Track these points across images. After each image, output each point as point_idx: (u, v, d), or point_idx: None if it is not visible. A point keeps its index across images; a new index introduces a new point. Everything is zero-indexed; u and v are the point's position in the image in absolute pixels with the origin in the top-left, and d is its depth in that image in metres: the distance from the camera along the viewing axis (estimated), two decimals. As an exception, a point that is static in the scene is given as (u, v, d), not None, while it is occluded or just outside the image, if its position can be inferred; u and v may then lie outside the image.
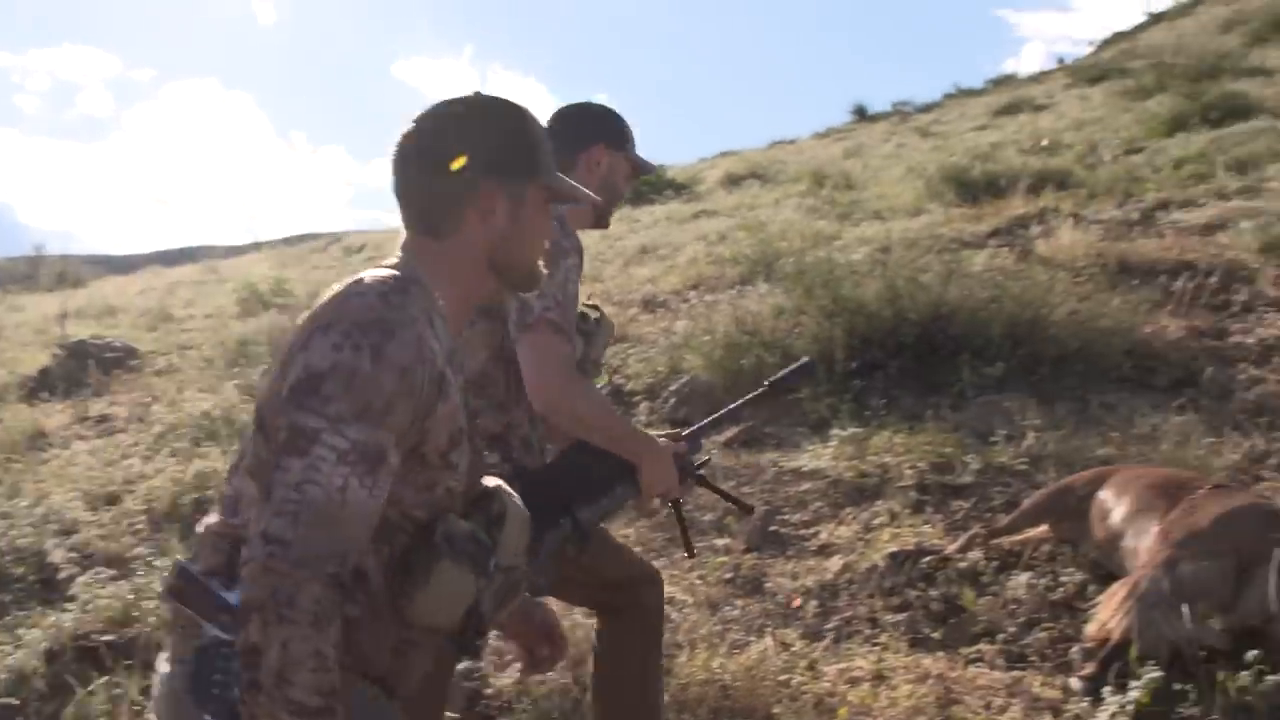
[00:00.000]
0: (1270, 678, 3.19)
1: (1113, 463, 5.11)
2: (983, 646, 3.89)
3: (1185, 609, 3.49)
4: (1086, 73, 31.10)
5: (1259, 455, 5.30)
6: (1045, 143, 15.90)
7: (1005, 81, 45.78)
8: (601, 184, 2.98)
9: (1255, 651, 3.27)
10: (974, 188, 12.60)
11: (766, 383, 2.95)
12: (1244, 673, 3.22)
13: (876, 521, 4.97)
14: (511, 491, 2.03)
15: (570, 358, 2.73)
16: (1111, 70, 27.55)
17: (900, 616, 4.17)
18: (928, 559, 4.45)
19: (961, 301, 6.90)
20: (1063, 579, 4.18)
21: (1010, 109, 26.16)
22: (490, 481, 2.07)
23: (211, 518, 1.90)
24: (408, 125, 1.94)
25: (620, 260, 12.66)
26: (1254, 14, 36.02)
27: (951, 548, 4.51)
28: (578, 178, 2.79)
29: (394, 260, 1.94)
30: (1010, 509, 4.77)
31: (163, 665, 1.84)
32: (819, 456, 5.77)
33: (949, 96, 42.53)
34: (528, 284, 2.07)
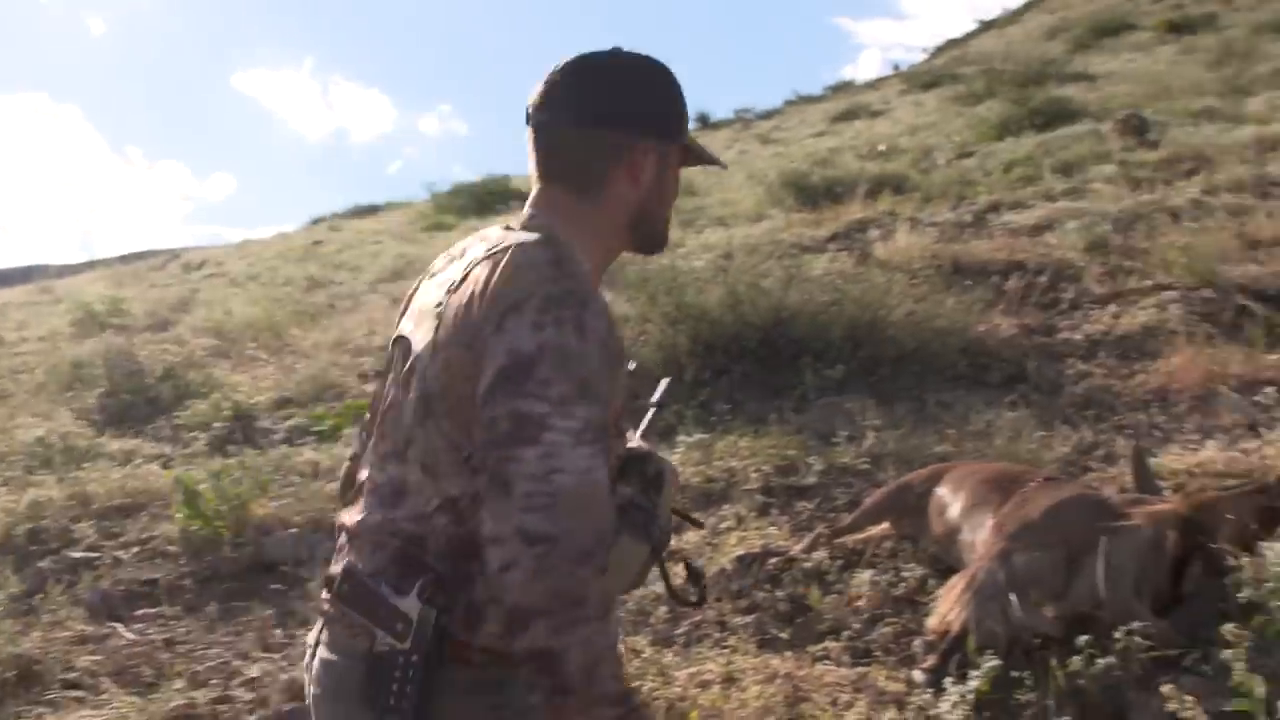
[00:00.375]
0: (1100, 661, 3.29)
1: (950, 459, 5.24)
2: (829, 644, 3.94)
3: (1017, 599, 3.59)
4: (920, 79, 31.96)
5: (1087, 447, 5.49)
6: (882, 148, 16.29)
7: (843, 88, 46.75)
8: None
9: (1086, 637, 3.37)
10: (814, 193, 12.86)
11: (653, 404, 2.91)
12: (1076, 657, 3.31)
13: (724, 525, 5.01)
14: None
15: None
16: (944, 77, 28.39)
17: (748, 618, 4.20)
18: (774, 560, 4.51)
19: (802, 306, 7.02)
20: (904, 574, 4.26)
21: (848, 115, 26.79)
22: (637, 441, 2.02)
23: (358, 514, 1.82)
24: (557, 75, 1.88)
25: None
26: (1076, 22, 37.50)
27: (797, 548, 4.57)
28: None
29: (527, 218, 1.86)
30: (853, 508, 4.85)
31: (324, 651, 1.81)
32: (666, 462, 5.79)
33: (789, 103, 43.29)
34: (658, 246, 2.02)
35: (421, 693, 1.64)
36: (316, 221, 33.44)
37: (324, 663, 1.81)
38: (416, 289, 1.95)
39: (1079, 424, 5.80)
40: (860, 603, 4.16)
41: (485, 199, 21.21)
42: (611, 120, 1.86)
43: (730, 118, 41.89)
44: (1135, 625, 3.33)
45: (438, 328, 1.72)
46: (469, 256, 1.80)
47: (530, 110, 1.89)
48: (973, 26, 56.26)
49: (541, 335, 1.59)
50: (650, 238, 1.98)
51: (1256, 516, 3.66)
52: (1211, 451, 5.10)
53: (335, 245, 21.57)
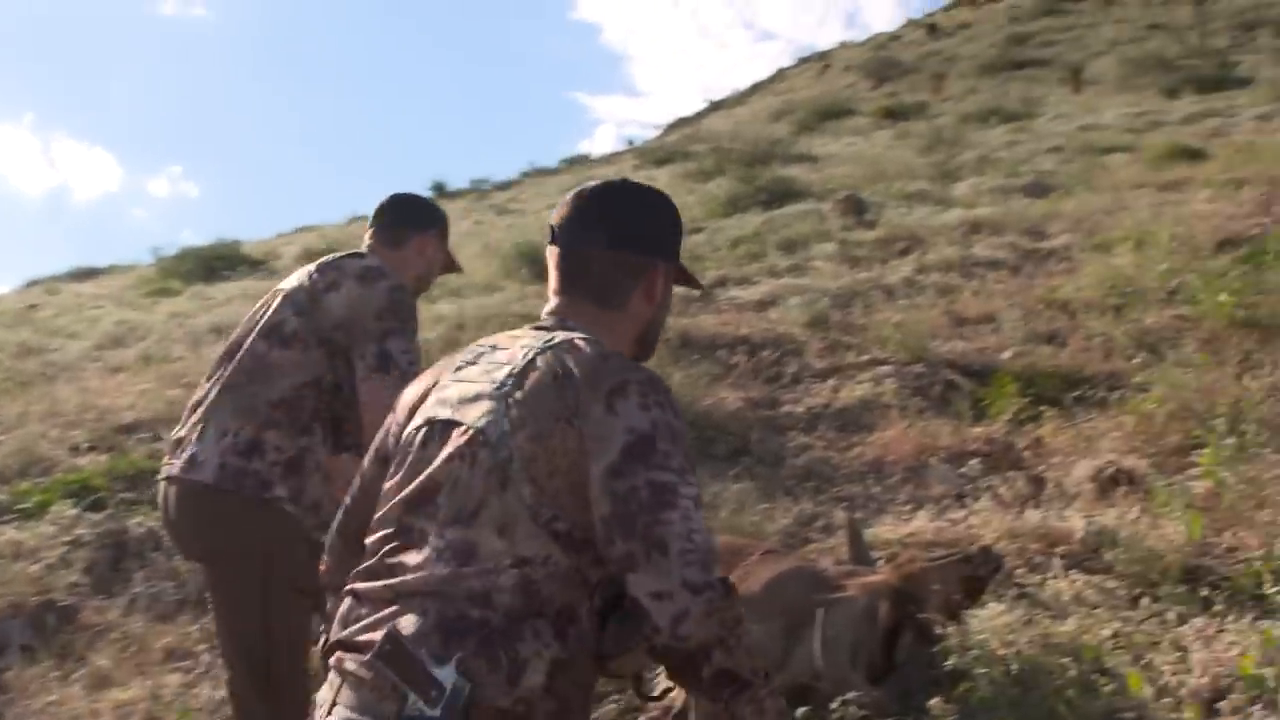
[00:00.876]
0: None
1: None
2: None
3: None
4: (653, 154, 32.58)
5: (807, 518, 5.65)
6: (616, 221, 16.48)
7: (579, 161, 47.35)
8: (427, 269, 3.36)
9: (804, 708, 3.44)
10: (544, 266, 12.85)
11: None
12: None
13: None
14: None
15: None
16: (676, 153, 29.00)
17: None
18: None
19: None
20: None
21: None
22: None
23: (407, 574, 1.91)
24: (585, 200, 2.17)
25: (190, 340, 12.10)
26: (800, 105, 39.17)
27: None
28: (404, 256, 3.28)
29: (557, 323, 2.11)
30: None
31: (345, 711, 1.87)
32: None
33: (526, 175, 43.49)
34: (650, 355, 2.26)
35: None
36: (33, 284, 31.59)
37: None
38: (434, 381, 2.13)
39: (800, 495, 5.97)
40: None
41: (214, 264, 20.45)
42: (636, 243, 2.15)
43: (466, 188, 41.83)
44: (851, 695, 3.42)
45: (509, 407, 1.91)
46: (522, 347, 2.01)
47: (558, 229, 2.18)
48: (703, 106, 58.05)
49: (651, 415, 1.86)
50: (650, 347, 2.25)
51: (961, 586, 3.81)
52: (922, 521, 5.31)
53: (52, 309, 20.39)
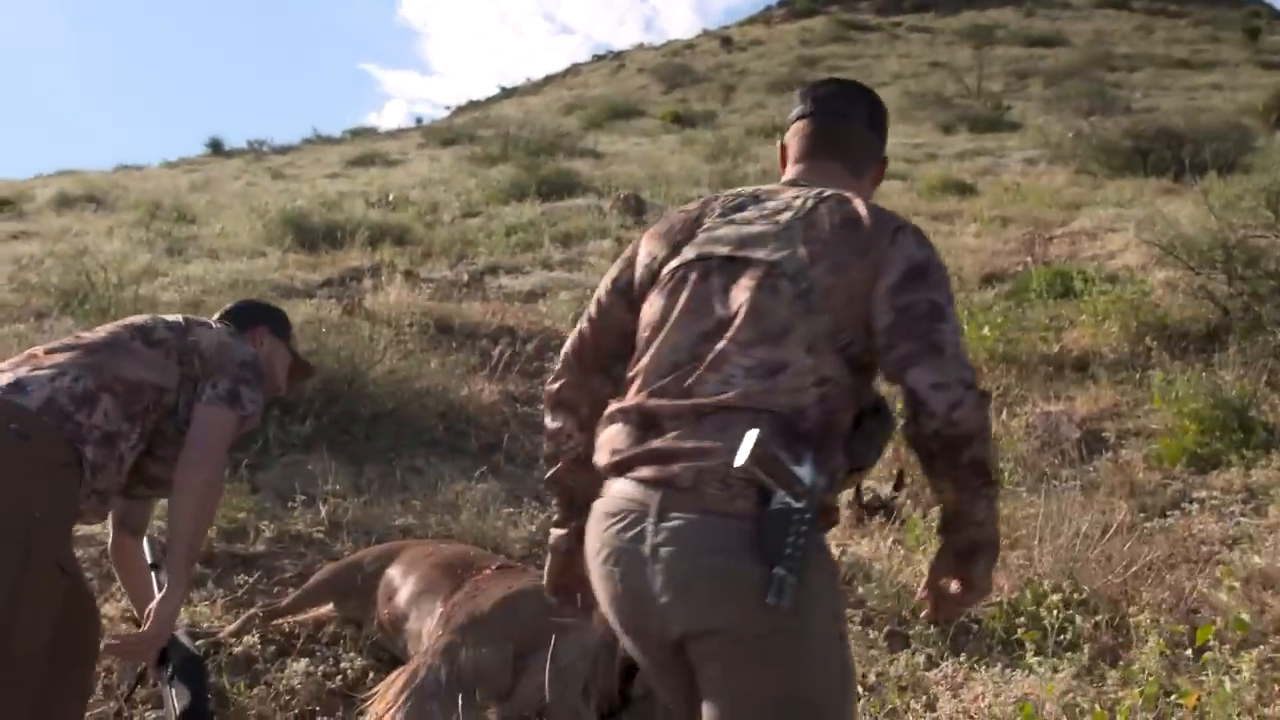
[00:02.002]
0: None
1: (413, 532, 4.94)
2: (249, 745, 3.49)
3: (462, 699, 3.30)
4: (440, 135, 32.12)
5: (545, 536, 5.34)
6: (391, 198, 15.97)
7: (364, 134, 46.35)
8: (266, 363, 3.41)
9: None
10: (314, 235, 12.32)
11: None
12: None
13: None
14: None
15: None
16: (463, 135, 28.58)
17: (161, 713, 3.65)
18: (200, 643, 3.97)
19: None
20: (344, 665, 3.85)
21: (364, 160, 26.36)
22: None
23: (713, 392, 2.13)
24: (850, 88, 2.51)
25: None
26: (592, 101, 39.17)
27: (227, 630, 4.07)
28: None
29: (807, 182, 2.39)
30: (301, 583, 4.41)
31: (676, 518, 2.05)
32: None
33: (307, 142, 42.35)
34: None
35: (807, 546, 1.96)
36: None
37: (679, 527, 2.06)
38: (683, 231, 2.38)
39: (549, 502, 5.66)
40: (290, 697, 3.70)
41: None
42: (881, 133, 2.52)
43: (243, 147, 40.41)
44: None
45: (801, 245, 2.20)
46: (794, 197, 2.31)
47: (819, 103, 2.48)
48: (496, 91, 57.53)
49: (925, 250, 2.20)
50: None
51: None
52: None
53: None
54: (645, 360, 2.27)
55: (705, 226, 2.34)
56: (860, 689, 3.60)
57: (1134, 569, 4.39)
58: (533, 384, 7.36)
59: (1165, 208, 10.25)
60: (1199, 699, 2.30)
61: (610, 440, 2.24)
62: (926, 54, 49.73)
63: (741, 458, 1.98)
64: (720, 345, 2.17)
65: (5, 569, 2.55)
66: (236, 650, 3.94)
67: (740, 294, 2.20)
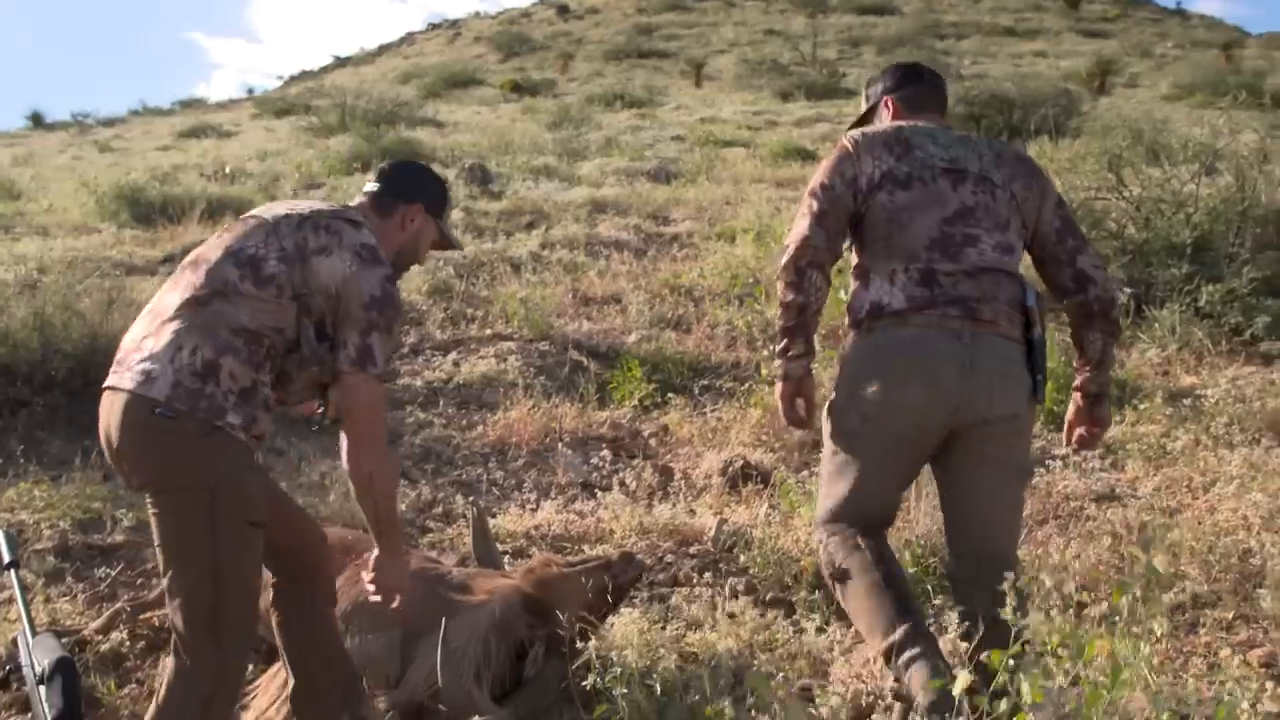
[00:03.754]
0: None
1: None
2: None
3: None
4: (274, 105, 31.38)
5: (425, 504, 5.24)
6: (228, 169, 15.50)
7: (194, 105, 44.99)
8: (411, 242, 3.22)
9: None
10: (150, 209, 11.89)
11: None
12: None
13: (6, 596, 4.17)
14: None
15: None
16: (298, 106, 27.93)
17: (29, 716, 3.45)
18: (65, 641, 3.76)
19: (123, 332, 6.23)
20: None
21: (196, 132, 25.62)
22: None
23: (975, 261, 3.13)
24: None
25: None
26: (429, 70, 38.57)
27: (92, 626, 3.87)
28: (388, 226, 3.14)
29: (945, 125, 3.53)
30: (165, 573, 4.22)
31: (988, 342, 3.07)
32: (-62, 515, 4.82)
33: (135, 113, 41.03)
34: None
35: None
36: None
37: (987, 346, 3.06)
38: (905, 142, 3.27)
39: (417, 478, 5.56)
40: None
41: None
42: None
43: (67, 120, 38.87)
44: (475, 718, 3.05)
45: (998, 168, 3.26)
46: (962, 134, 3.37)
47: (930, 75, 3.58)
48: (328, 61, 56.34)
49: (1055, 183, 3.45)
50: None
51: (600, 594, 3.52)
52: (549, 512, 5.02)
53: None
54: (901, 235, 3.15)
55: (915, 144, 3.24)
56: (750, 657, 3.60)
57: (1006, 527, 4.47)
58: (390, 362, 7.20)
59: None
60: (1112, 647, 2.34)
61: (900, 290, 3.11)
62: (762, 22, 50.10)
63: (1030, 300, 3.12)
64: (968, 229, 3.13)
65: (199, 546, 2.72)
66: (104, 648, 3.76)
67: (967, 193, 3.18)
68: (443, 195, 3.32)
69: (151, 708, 2.79)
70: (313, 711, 3.05)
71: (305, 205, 3.06)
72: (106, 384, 2.85)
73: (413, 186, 3.24)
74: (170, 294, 2.90)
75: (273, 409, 2.90)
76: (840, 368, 3.27)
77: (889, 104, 3.49)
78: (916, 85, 3.49)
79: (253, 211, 3.07)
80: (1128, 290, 7.29)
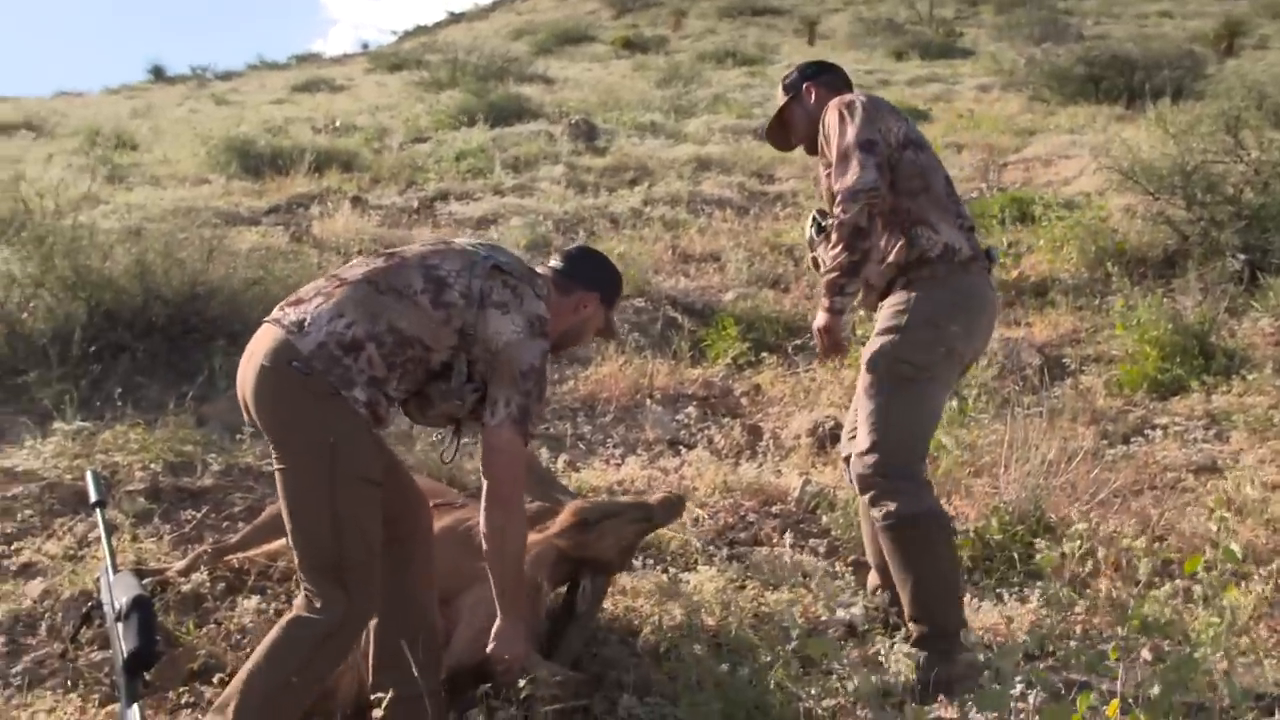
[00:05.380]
0: (500, 714, 2.97)
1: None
2: (200, 686, 3.36)
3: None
4: (387, 60, 31.57)
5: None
6: (338, 123, 15.66)
7: (309, 59, 45.56)
8: (579, 325, 3.30)
9: (486, 686, 3.04)
10: (259, 161, 12.07)
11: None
12: (474, 710, 2.98)
13: (94, 535, 4.26)
14: None
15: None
16: (410, 61, 28.12)
17: (107, 653, 3.52)
18: (147, 582, 3.83)
19: (223, 282, 6.35)
20: (296, 602, 3.73)
21: (309, 86, 25.88)
22: None
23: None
24: None
25: None
26: (542, 26, 38.58)
27: (176, 567, 3.93)
28: (563, 305, 3.20)
29: None
30: (252, 517, 4.27)
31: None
32: (38, 454, 4.94)
33: (252, 67, 41.63)
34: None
35: None
36: None
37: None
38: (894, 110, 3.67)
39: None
40: (242, 636, 3.58)
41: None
42: None
43: (186, 73, 39.61)
44: (538, 675, 3.03)
45: None
46: None
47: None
48: (443, 16, 56.69)
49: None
50: None
51: (637, 536, 3.51)
52: (633, 468, 5.00)
53: None
54: (932, 192, 3.52)
55: (899, 115, 3.58)
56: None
57: (1100, 497, 4.34)
58: (485, 313, 7.21)
59: (1120, 134, 10.17)
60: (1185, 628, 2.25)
61: (964, 238, 3.53)
62: (878, -21, 49.29)
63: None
64: (956, 191, 3.63)
65: (320, 493, 2.81)
66: (185, 589, 3.80)
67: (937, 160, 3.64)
68: (618, 288, 3.43)
69: (270, 635, 2.87)
70: (392, 675, 3.06)
71: (505, 255, 3.13)
72: (269, 317, 2.97)
73: (595, 276, 3.34)
74: (358, 269, 3.02)
75: (392, 406, 2.96)
76: (909, 303, 3.43)
77: (812, 90, 3.82)
78: (833, 73, 3.88)
79: (460, 240, 3.18)
80: (1242, 256, 7.04)
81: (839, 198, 3.35)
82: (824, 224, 3.59)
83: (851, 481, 3.58)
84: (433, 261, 3.01)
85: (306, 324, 2.85)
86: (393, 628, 3.07)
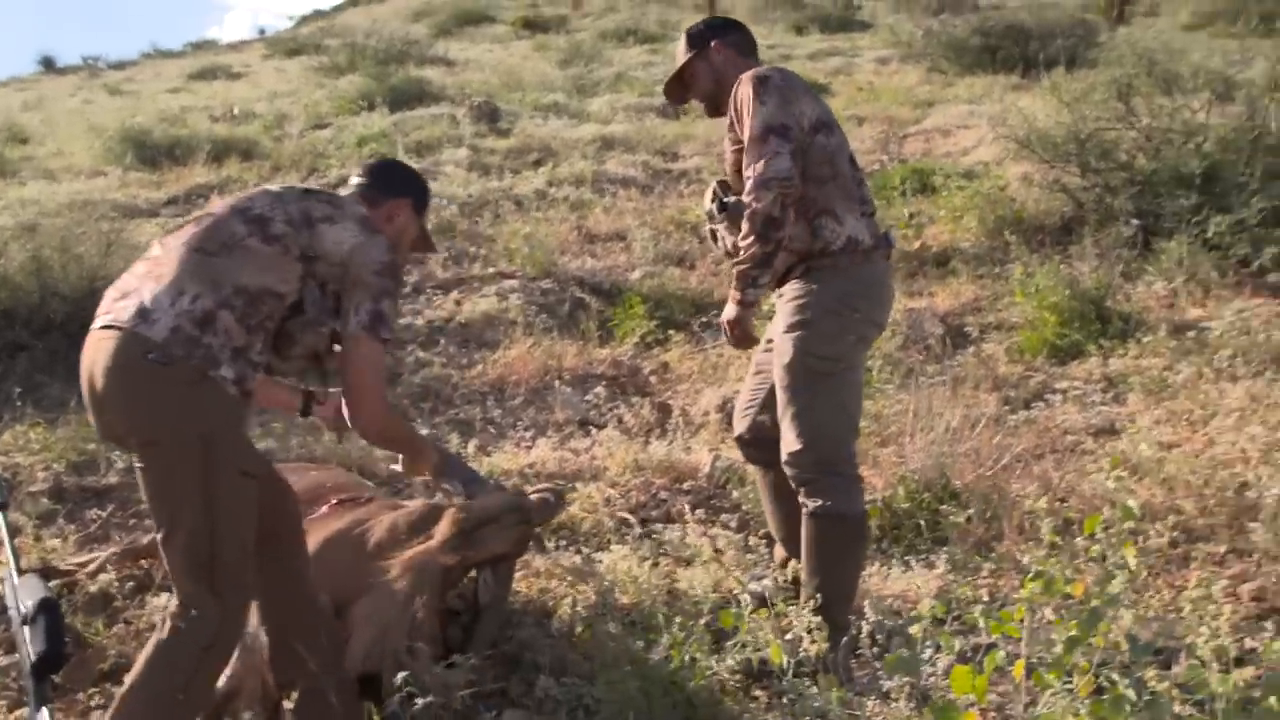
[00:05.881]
0: (420, 701, 2.97)
1: (274, 456, 4.77)
2: (110, 686, 3.32)
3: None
4: (285, 46, 31.09)
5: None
6: (236, 111, 15.42)
7: (205, 46, 44.72)
8: (395, 237, 3.16)
9: (404, 674, 3.03)
10: (156, 151, 11.86)
11: None
12: (396, 696, 2.97)
13: (-5, 537, 4.17)
14: None
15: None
16: (309, 46, 27.69)
17: (15, 657, 3.45)
18: (54, 583, 3.77)
19: (120, 275, 6.23)
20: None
21: (206, 74, 25.44)
22: None
23: None
24: None
25: None
26: (440, 8, 38.17)
27: (84, 570, 3.87)
28: (376, 220, 3.07)
29: None
30: (157, 515, 4.21)
31: None
32: (-72, 457, 4.84)
33: (146, 56, 40.83)
34: None
35: None
36: None
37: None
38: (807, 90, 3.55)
39: (415, 417, 5.54)
40: (151, 635, 3.53)
41: None
42: None
43: (78, 64, 38.72)
44: (458, 658, 3.03)
45: None
46: None
47: None
48: (339, 1, 55.94)
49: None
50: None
51: (520, 538, 3.44)
52: (544, 450, 5.01)
53: None
54: (839, 178, 3.42)
55: (812, 95, 3.44)
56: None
57: (1003, 462, 4.44)
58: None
59: (1016, 103, 10.33)
60: (1085, 589, 2.32)
61: (865, 228, 3.45)
62: (777, -45, 49.51)
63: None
64: (859, 172, 3.58)
65: (194, 490, 2.66)
66: (92, 589, 3.76)
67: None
68: (426, 194, 3.36)
69: (147, 650, 2.73)
70: (293, 672, 3.01)
71: (302, 187, 3.09)
72: (97, 324, 2.79)
73: (399, 182, 3.27)
74: (174, 242, 2.88)
75: (257, 371, 2.83)
76: (811, 295, 3.39)
77: (721, 49, 3.64)
78: (741, 32, 3.71)
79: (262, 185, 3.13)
80: (1135, 222, 7.20)
81: (751, 185, 3.25)
82: (726, 200, 3.52)
83: (748, 461, 3.67)
84: (244, 205, 2.94)
85: (149, 311, 2.69)
86: (284, 625, 2.99)
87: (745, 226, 3.29)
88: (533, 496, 3.51)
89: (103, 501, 4.53)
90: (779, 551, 3.78)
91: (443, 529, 3.30)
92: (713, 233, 3.68)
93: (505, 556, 3.40)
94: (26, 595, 3.14)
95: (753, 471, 4.03)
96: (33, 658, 3.01)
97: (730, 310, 3.46)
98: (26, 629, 3.08)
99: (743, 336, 3.50)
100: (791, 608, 3.17)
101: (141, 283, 2.78)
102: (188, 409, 2.67)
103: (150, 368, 2.63)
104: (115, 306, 2.77)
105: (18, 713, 3.18)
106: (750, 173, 3.27)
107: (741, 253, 3.32)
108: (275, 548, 2.94)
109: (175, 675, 2.68)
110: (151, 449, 2.70)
